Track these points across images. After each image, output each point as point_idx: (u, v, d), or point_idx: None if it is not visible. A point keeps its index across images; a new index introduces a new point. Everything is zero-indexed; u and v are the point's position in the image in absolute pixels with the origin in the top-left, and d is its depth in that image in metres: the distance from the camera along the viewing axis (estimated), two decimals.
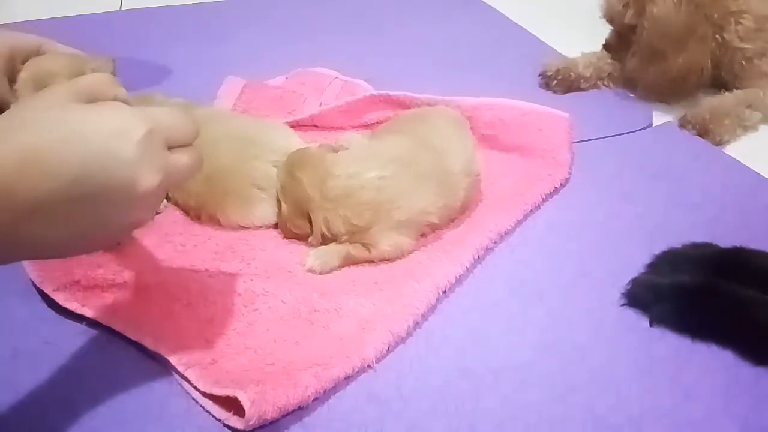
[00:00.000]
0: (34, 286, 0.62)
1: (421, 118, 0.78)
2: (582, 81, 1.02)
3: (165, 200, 0.73)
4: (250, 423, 0.49)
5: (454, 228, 0.72)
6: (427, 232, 0.70)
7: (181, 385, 0.54)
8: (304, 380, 0.52)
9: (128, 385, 0.54)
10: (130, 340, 0.57)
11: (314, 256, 0.66)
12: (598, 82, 1.03)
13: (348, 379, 0.55)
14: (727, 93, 0.96)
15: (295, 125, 0.86)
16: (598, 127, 0.91)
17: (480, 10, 1.35)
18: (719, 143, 0.90)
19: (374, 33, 1.21)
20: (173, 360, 0.54)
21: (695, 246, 0.68)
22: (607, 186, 0.80)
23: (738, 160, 0.86)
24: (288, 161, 0.70)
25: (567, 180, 0.80)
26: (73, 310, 0.59)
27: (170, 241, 0.68)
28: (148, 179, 0.42)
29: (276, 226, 0.72)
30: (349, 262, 0.67)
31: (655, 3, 0.93)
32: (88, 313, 0.59)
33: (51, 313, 0.60)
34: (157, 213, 0.72)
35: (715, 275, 0.63)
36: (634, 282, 0.64)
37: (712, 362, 0.58)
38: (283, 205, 0.69)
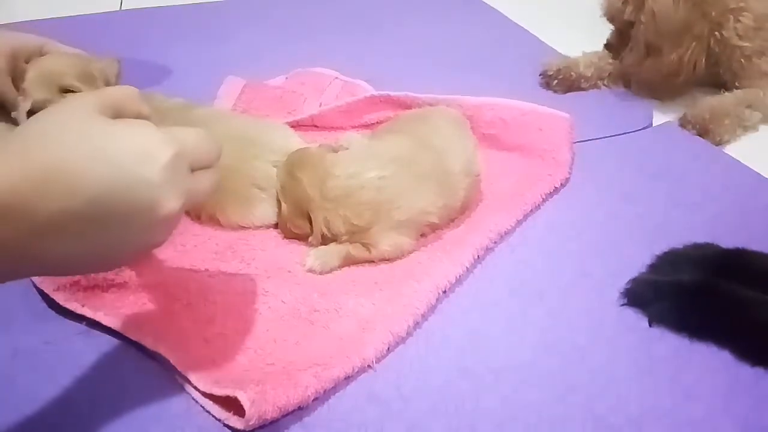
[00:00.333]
0: (34, 286, 0.62)
1: (422, 118, 0.78)
2: (582, 81, 1.02)
3: None
4: (250, 423, 0.49)
5: (454, 228, 0.72)
6: (427, 232, 0.70)
7: (181, 385, 0.54)
8: (304, 380, 0.52)
9: (128, 385, 0.54)
10: (130, 340, 0.57)
11: (314, 256, 0.66)
12: (599, 81, 1.03)
13: (348, 379, 0.55)
14: (727, 93, 0.96)
15: (295, 125, 0.86)
16: (598, 127, 0.91)
17: (480, 10, 1.35)
18: (719, 143, 0.90)
19: (374, 33, 1.21)
20: (173, 360, 0.54)
21: (696, 246, 0.68)
22: (607, 186, 0.80)
23: (738, 160, 0.86)
24: (288, 161, 0.70)
25: (567, 180, 0.80)
26: (73, 310, 0.59)
27: (170, 241, 0.67)
28: (172, 203, 0.41)
29: (276, 226, 0.72)
30: (349, 262, 0.67)
31: None
32: (88, 313, 0.59)
33: (51, 313, 0.60)
34: None
35: (715, 275, 0.63)
36: (634, 281, 0.64)
37: (711, 362, 0.58)
38: (283, 205, 0.69)
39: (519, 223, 0.73)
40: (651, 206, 0.77)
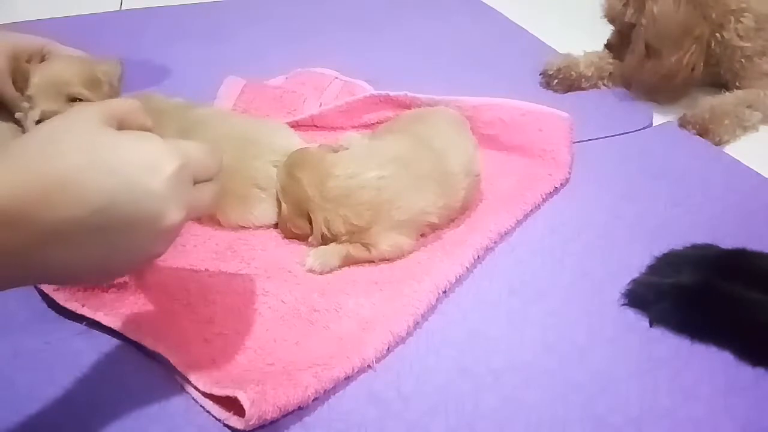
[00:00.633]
0: (35, 286, 0.62)
1: (422, 118, 0.78)
2: (583, 80, 1.02)
3: None
4: (250, 423, 0.49)
5: (454, 228, 0.72)
6: (427, 232, 0.70)
7: (181, 385, 0.54)
8: (304, 380, 0.52)
9: (128, 385, 0.54)
10: (130, 340, 0.57)
11: (314, 256, 0.66)
12: (599, 81, 1.03)
13: (348, 379, 0.55)
14: (727, 93, 0.96)
15: (295, 125, 0.86)
16: (598, 127, 0.91)
17: (480, 10, 1.35)
18: (719, 143, 0.90)
19: (374, 33, 1.21)
20: (173, 360, 0.54)
21: (695, 247, 0.68)
22: (608, 186, 0.80)
23: (738, 160, 0.86)
24: (288, 161, 0.70)
25: (567, 180, 0.80)
26: (73, 310, 0.59)
27: None
28: (174, 215, 0.42)
29: (276, 226, 0.72)
30: (349, 262, 0.67)
31: (655, 1, 0.93)
32: (88, 313, 0.59)
33: (51, 313, 0.60)
34: None
35: (715, 276, 0.63)
36: (635, 282, 0.64)
37: (711, 362, 0.58)
38: (283, 205, 0.69)
39: (519, 223, 0.73)
40: (651, 206, 0.77)
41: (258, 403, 0.49)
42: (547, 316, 0.62)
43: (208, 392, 0.52)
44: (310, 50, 1.08)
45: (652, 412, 0.53)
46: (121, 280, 0.62)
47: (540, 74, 1.04)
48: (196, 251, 0.68)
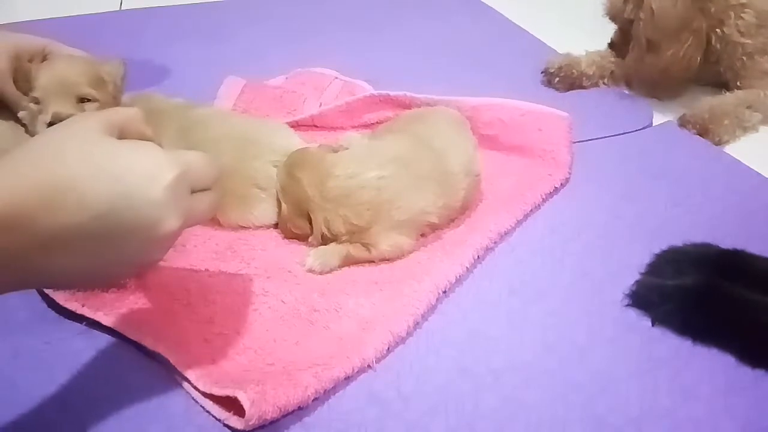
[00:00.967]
0: None
1: (422, 118, 0.78)
2: (584, 79, 1.02)
3: None
4: (250, 423, 0.49)
5: (454, 228, 0.72)
6: (427, 232, 0.70)
7: (181, 385, 0.54)
8: (304, 380, 0.52)
9: (128, 385, 0.54)
10: (130, 339, 0.57)
11: (314, 256, 0.66)
12: (600, 80, 1.03)
13: (348, 379, 0.55)
14: (727, 93, 0.96)
15: (295, 125, 0.86)
16: (598, 127, 0.91)
17: (480, 10, 1.35)
18: (719, 143, 0.90)
19: (374, 33, 1.22)
20: (173, 360, 0.54)
21: (695, 245, 0.68)
22: (607, 186, 0.80)
23: (738, 160, 0.86)
24: (288, 161, 0.70)
25: (567, 180, 0.80)
26: (73, 310, 0.59)
27: None
28: (172, 222, 0.43)
29: (276, 226, 0.72)
30: (349, 262, 0.67)
31: None
32: (88, 313, 0.59)
33: (51, 313, 0.60)
34: None
35: (716, 275, 0.62)
36: (638, 283, 0.64)
37: (711, 363, 0.58)
38: (283, 205, 0.69)
39: (519, 223, 0.73)
40: (651, 206, 0.77)
41: (258, 403, 0.49)
42: (547, 316, 0.62)
43: (208, 392, 0.52)
44: (310, 50, 1.08)
45: (652, 412, 0.53)
46: (128, 278, 0.62)
47: (542, 72, 1.04)
48: (196, 251, 0.68)
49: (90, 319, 0.59)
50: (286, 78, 1.00)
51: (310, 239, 0.68)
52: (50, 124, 0.69)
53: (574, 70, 1.02)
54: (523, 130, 0.83)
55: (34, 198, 0.39)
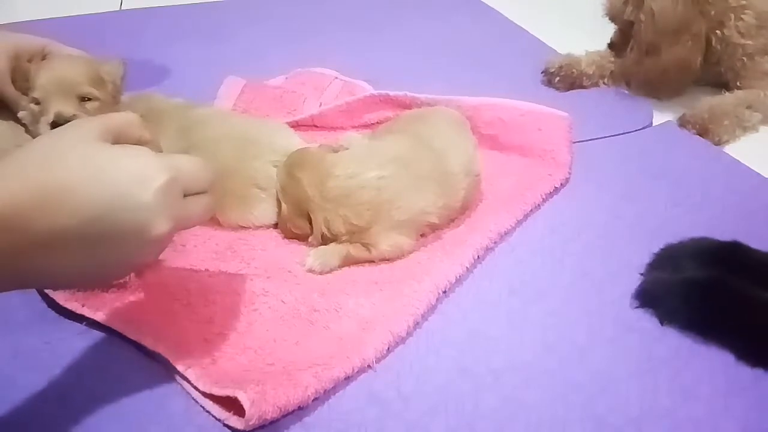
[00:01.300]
0: None
1: (422, 118, 0.78)
2: (584, 79, 1.02)
3: None
4: (250, 423, 0.49)
5: (454, 228, 0.72)
6: (427, 232, 0.70)
7: (181, 385, 0.54)
8: (304, 380, 0.52)
9: (128, 385, 0.54)
10: (130, 340, 0.57)
11: (314, 256, 0.66)
12: (600, 80, 1.03)
13: (348, 379, 0.55)
14: (727, 93, 0.96)
15: (295, 125, 0.86)
16: (598, 127, 0.91)
17: (480, 10, 1.35)
18: (718, 143, 0.90)
19: (374, 33, 1.22)
20: (173, 360, 0.54)
21: (693, 240, 0.68)
22: (607, 186, 0.80)
23: (738, 160, 0.86)
24: (288, 161, 0.70)
25: (567, 180, 0.80)
26: (73, 310, 0.59)
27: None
28: (162, 226, 0.44)
29: (276, 226, 0.72)
30: (349, 262, 0.67)
31: None
32: (88, 313, 0.59)
33: (51, 313, 0.60)
34: None
35: (724, 271, 0.62)
36: (646, 282, 0.64)
37: (711, 362, 0.58)
38: (283, 205, 0.69)
39: (519, 223, 0.73)
40: (651, 206, 0.77)
41: (258, 403, 0.49)
42: (547, 316, 0.62)
43: (208, 392, 0.52)
44: (310, 50, 1.08)
45: (652, 412, 0.53)
46: (121, 280, 0.62)
47: (542, 72, 1.04)
48: (196, 251, 0.68)
49: (90, 319, 0.59)
50: (286, 78, 1.00)
51: (310, 239, 0.68)
52: (53, 124, 0.69)
53: (574, 70, 1.02)
54: (523, 130, 0.83)
55: (30, 201, 0.40)
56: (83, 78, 0.73)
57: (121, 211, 0.42)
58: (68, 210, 0.41)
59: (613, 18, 1.02)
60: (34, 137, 0.70)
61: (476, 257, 0.68)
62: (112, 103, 0.76)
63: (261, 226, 0.72)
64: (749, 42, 0.95)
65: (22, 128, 0.75)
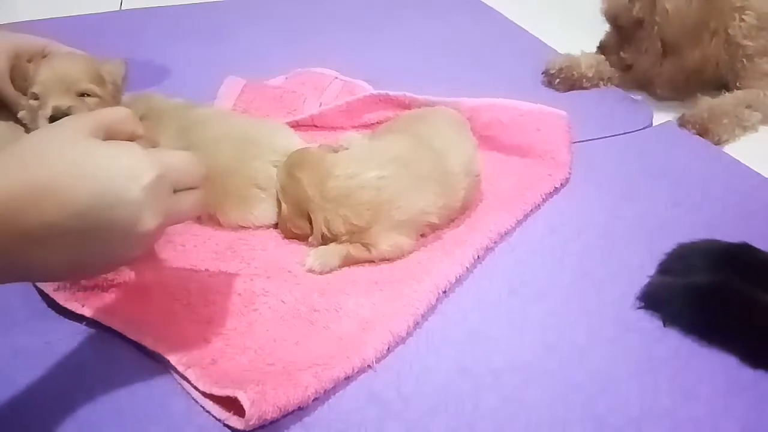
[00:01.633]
0: (34, 286, 0.62)
1: (422, 118, 0.78)
2: (584, 80, 1.02)
3: None
4: (250, 423, 0.49)
5: (454, 228, 0.72)
6: (427, 232, 0.70)
7: (181, 385, 0.54)
8: (304, 380, 0.52)
9: (128, 385, 0.54)
10: (130, 339, 0.57)
11: (314, 256, 0.66)
12: (600, 81, 1.03)
13: (348, 379, 0.55)
14: (727, 93, 0.96)
15: (295, 125, 0.86)
16: (598, 127, 0.91)
17: (480, 10, 1.35)
18: (718, 143, 0.90)
19: (374, 33, 1.22)
20: (173, 360, 0.54)
21: (705, 241, 0.68)
22: (607, 186, 0.80)
23: (738, 160, 0.86)
24: (288, 161, 0.70)
25: (567, 180, 0.80)
26: (73, 310, 0.59)
27: (170, 241, 0.68)
28: (149, 221, 0.44)
29: (276, 226, 0.72)
30: (349, 262, 0.67)
31: None
32: (88, 313, 0.59)
33: (51, 313, 0.60)
34: None
35: (729, 274, 0.62)
36: (650, 284, 0.64)
37: (712, 363, 0.58)
38: (283, 206, 0.69)
39: (519, 223, 0.73)
40: (651, 206, 0.77)
41: (258, 403, 0.49)
42: (547, 316, 0.62)
43: (208, 392, 0.52)
44: (310, 50, 1.08)
45: (652, 412, 0.53)
46: (121, 280, 0.62)
47: (542, 73, 1.04)
48: (196, 251, 0.68)
49: (90, 319, 0.59)
50: (286, 78, 1.00)
51: (310, 239, 0.68)
52: (52, 118, 0.69)
53: (574, 72, 1.02)
54: (522, 131, 0.83)
55: (20, 196, 0.41)
56: (83, 75, 0.73)
57: (110, 206, 0.43)
58: (57, 205, 0.41)
59: (614, 18, 1.01)
60: None
61: (476, 257, 0.68)
62: (113, 103, 0.76)
63: (261, 226, 0.72)
64: (750, 43, 0.95)
65: (22, 129, 0.75)
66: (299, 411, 0.52)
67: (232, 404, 0.51)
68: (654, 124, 0.94)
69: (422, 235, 0.70)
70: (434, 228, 0.70)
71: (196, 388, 0.53)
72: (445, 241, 0.70)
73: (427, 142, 0.72)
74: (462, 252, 0.67)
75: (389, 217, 0.66)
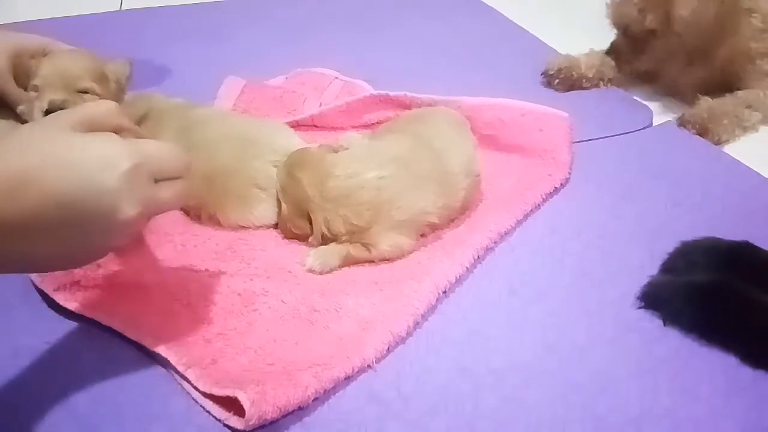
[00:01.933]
0: (34, 286, 0.62)
1: (422, 118, 0.78)
2: (584, 80, 1.02)
3: None
4: (250, 423, 0.49)
5: (454, 228, 0.72)
6: (427, 232, 0.70)
7: (181, 385, 0.54)
8: (304, 380, 0.52)
9: (128, 385, 0.54)
10: (130, 339, 0.57)
11: (314, 256, 0.66)
12: (600, 82, 1.03)
13: (348, 379, 0.55)
14: (727, 94, 0.96)
15: (295, 125, 0.86)
16: (598, 127, 0.91)
17: (480, 10, 1.35)
18: (718, 143, 0.90)
19: (374, 33, 1.22)
20: (173, 360, 0.54)
21: (707, 239, 0.68)
22: (607, 186, 0.80)
23: (738, 160, 0.86)
24: (288, 161, 0.70)
25: (567, 180, 0.80)
26: (73, 310, 0.59)
27: (170, 241, 0.68)
28: (128, 210, 0.45)
29: (276, 226, 0.72)
30: (349, 262, 0.67)
31: (678, 6, 0.92)
32: (88, 313, 0.59)
33: (51, 313, 0.60)
34: None
35: (730, 274, 0.62)
36: (650, 284, 0.64)
37: (711, 363, 0.58)
38: (283, 206, 0.69)
39: (519, 223, 0.73)
40: (651, 206, 0.77)
41: (258, 403, 0.49)
42: (547, 316, 0.62)
43: (208, 392, 0.52)
44: (310, 50, 1.08)
45: (652, 412, 0.53)
46: (121, 280, 0.62)
47: (542, 74, 1.04)
48: (196, 251, 0.68)
49: (90, 319, 0.59)
50: (286, 78, 1.00)
51: (310, 239, 0.68)
52: (47, 112, 0.69)
53: (573, 73, 1.02)
54: (523, 131, 0.83)
55: (3, 188, 0.41)
56: (84, 72, 0.73)
57: (87, 196, 0.43)
58: (34, 197, 0.42)
59: (624, 27, 1.00)
60: None
61: (476, 257, 0.68)
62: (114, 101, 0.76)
63: (261, 226, 0.72)
64: (755, 45, 0.94)
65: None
66: (299, 411, 0.52)
67: (232, 404, 0.51)
68: (654, 124, 0.94)
69: (422, 235, 0.70)
70: (434, 228, 0.70)
71: (196, 388, 0.53)
72: (445, 241, 0.70)
73: (427, 142, 0.72)
74: (462, 252, 0.67)
75: (389, 217, 0.66)
